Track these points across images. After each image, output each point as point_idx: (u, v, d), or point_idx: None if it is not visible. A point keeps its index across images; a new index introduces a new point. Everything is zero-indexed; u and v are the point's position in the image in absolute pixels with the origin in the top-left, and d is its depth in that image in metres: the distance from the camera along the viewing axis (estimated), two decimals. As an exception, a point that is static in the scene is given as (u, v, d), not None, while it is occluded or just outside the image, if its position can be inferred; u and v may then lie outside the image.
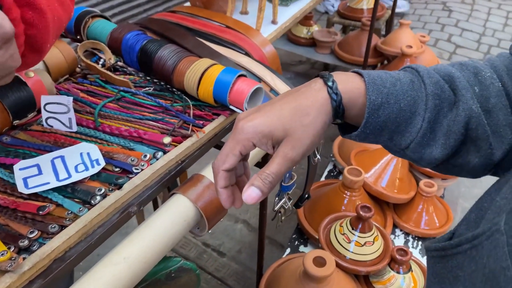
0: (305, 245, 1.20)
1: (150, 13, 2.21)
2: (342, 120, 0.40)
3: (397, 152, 0.41)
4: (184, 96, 0.68)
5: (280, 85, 0.75)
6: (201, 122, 0.65)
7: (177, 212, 0.57)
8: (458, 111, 0.37)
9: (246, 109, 0.64)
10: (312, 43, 2.17)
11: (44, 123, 0.63)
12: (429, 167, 0.41)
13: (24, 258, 0.44)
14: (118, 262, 0.50)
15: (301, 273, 0.94)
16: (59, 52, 0.73)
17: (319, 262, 0.92)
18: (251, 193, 0.37)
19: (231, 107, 0.65)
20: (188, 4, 1.02)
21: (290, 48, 2.20)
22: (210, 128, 0.64)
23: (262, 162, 0.81)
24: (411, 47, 1.78)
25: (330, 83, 0.38)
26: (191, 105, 0.67)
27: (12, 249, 0.46)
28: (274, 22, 0.99)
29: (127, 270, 0.50)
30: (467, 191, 1.82)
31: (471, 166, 0.38)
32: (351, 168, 1.15)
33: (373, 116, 0.37)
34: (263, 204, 0.96)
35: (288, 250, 1.18)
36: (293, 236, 1.24)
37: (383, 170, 1.23)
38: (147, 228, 0.54)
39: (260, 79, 0.75)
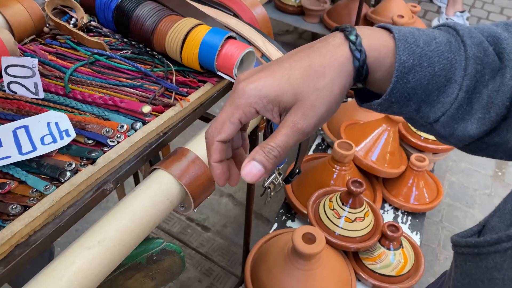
0: (293, 220, 1.17)
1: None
2: (364, 84, 0.34)
3: (422, 126, 0.35)
4: (166, 61, 0.61)
5: (272, 51, 0.68)
6: (186, 89, 0.58)
7: (159, 189, 0.51)
8: (503, 79, 0.31)
9: (236, 76, 0.57)
10: (301, 11, 2.09)
11: (5, 88, 0.56)
12: (459, 146, 0.35)
13: (-21, 244, 0.38)
14: (92, 246, 0.44)
15: (289, 250, 0.90)
16: (24, 9, 0.65)
17: (309, 238, 0.88)
18: (251, 169, 0.31)
19: (219, 73, 0.58)
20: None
21: (277, 16, 2.11)
22: (195, 96, 0.57)
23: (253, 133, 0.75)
24: (402, 17, 1.71)
25: (353, 38, 0.32)
26: (173, 71, 0.60)
27: (-34, 233, 0.40)
28: (264, -18, 0.91)
29: (102, 254, 0.45)
30: (455, 165, 1.81)
31: (510, 146, 0.33)
32: (342, 141, 1.10)
33: (402, 81, 0.31)
34: (249, 187, 0.91)
35: (275, 226, 1.14)
36: (280, 211, 1.20)
37: (374, 144, 1.19)
38: (125, 207, 0.48)
39: (250, 43, 0.69)
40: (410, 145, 1.29)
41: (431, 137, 1.29)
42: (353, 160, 1.14)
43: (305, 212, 1.08)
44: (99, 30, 0.67)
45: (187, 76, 0.60)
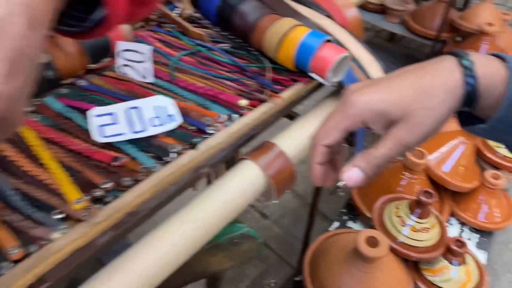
0: (354, 221, 1.18)
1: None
2: (471, 109, 0.35)
3: None
4: (261, 57, 0.65)
5: (364, 55, 0.69)
6: (278, 87, 0.61)
7: (246, 178, 0.55)
8: None
9: (329, 79, 0.59)
10: (381, 9, 2.04)
11: (118, 70, 0.62)
12: None
13: (98, 209, 0.44)
14: (187, 222, 0.49)
15: (351, 250, 0.92)
16: (136, -3, 0.70)
17: (371, 242, 0.89)
18: (352, 175, 0.34)
19: (312, 74, 0.61)
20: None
21: (356, 13, 2.08)
22: (287, 94, 0.60)
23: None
24: (491, 25, 1.63)
25: (466, 63, 0.33)
26: (269, 68, 0.63)
27: (86, 198, 0.45)
28: (359, -16, 0.91)
29: (195, 231, 0.49)
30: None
31: None
32: (415, 149, 1.08)
33: (511, 112, 0.32)
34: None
35: (337, 224, 1.16)
36: (342, 210, 1.21)
37: (448, 155, 1.16)
38: (217, 191, 0.52)
39: (342, 45, 0.70)
40: (486, 160, 1.24)
41: (510, 155, 1.23)
42: (423, 169, 1.13)
43: (368, 215, 1.09)
44: (200, 21, 0.72)
45: (281, 74, 0.63)
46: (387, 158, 0.34)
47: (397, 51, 2.39)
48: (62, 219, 0.43)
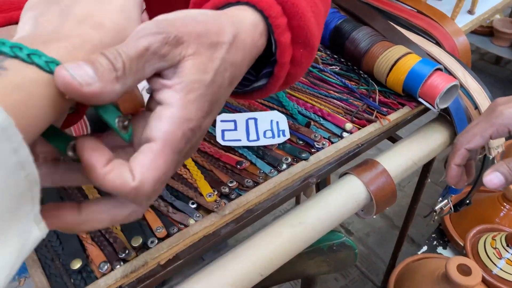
0: (444, 248, 1.15)
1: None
2: None
3: None
4: (370, 81, 0.69)
5: (471, 83, 0.70)
6: (385, 109, 0.65)
7: (350, 191, 0.60)
8: None
9: (437, 106, 0.62)
10: (489, 32, 1.96)
11: (241, 85, 0.70)
12: None
13: (225, 203, 0.52)
14: (295, 225, 0.55)
15: (439, 276, 0.91)
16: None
17: (463, 270, 0.88)
18: (493, 178, 0.38)
19: (420, 99, 0.64)
20: (377, -18, 1.00)
21: (461, 35, 2.01)
22: (394, 117, 0.64)
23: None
24: None
25: None
26: (377, 90, 0.68)
27: (215, 192, 0.54)
28: (471, 12, 0.92)
29: (301, 233, 0.55)
30: None
31: None
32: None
33: None
34: (415, 199, 0.94)
35: (425, 248, 1.15)
36: (433, 235, 1.19)
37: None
38: (322, 200, 0.58)
39: (450, 73, 0.72)
40: None
41: None
42: (526, 203, 1.07)
43: (460, 242, 1.06)
44: (313, 44, 0.78)
45: (388, 97, 0.67)
46: None
47: (502, 75, 2.26)
48: (196, 208, 0.52)
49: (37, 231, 0.22)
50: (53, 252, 0.48)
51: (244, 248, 0.52)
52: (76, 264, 0.46)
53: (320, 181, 0.69)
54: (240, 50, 0.30)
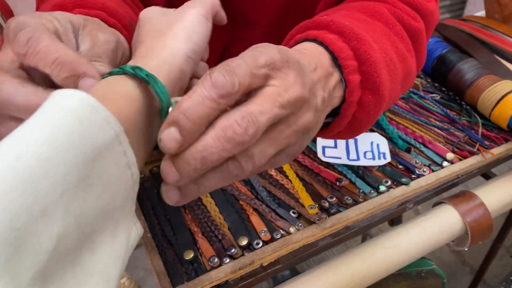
0: (524, 293, 1.09)
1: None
2: None
3: None
4: (473, 113, 0.69)
5: None
6: (488, 143, 0.65)
7: (445, 221, 0.60)
8: None
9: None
10: None
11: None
12: None
13: (325, 217, 0.54)
14: (388, 247, 0.56)
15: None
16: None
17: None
18: None
19: (526, 136, 0.63)
20: (481, 13, 0.99)
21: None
22: (497, 151, 0.64)
23: None
24: None
25: None
26: (480, 123, 0.67)
27: (316, 205, 0.56)
28: None
29: (393, 256, 0.56)
30: None
31: None
32: None
33: None
34: (501, 237, 0.91)
35: (503, 291, 1.10)
36: (510, 277, 1.14)
37: None
38: (417, 226, 0.59)
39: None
40: None
41: None
42: None
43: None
44: (412, 70, 0.79)
45: (491, 131, 0.67)
46: None
47: None
48: (297, 218, 0.55)
49: (135, 230, 0.26)
50: (167, 242, 0.53)
51: (341, 261, 0.55)
52: (189, 255, 0.50)
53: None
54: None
